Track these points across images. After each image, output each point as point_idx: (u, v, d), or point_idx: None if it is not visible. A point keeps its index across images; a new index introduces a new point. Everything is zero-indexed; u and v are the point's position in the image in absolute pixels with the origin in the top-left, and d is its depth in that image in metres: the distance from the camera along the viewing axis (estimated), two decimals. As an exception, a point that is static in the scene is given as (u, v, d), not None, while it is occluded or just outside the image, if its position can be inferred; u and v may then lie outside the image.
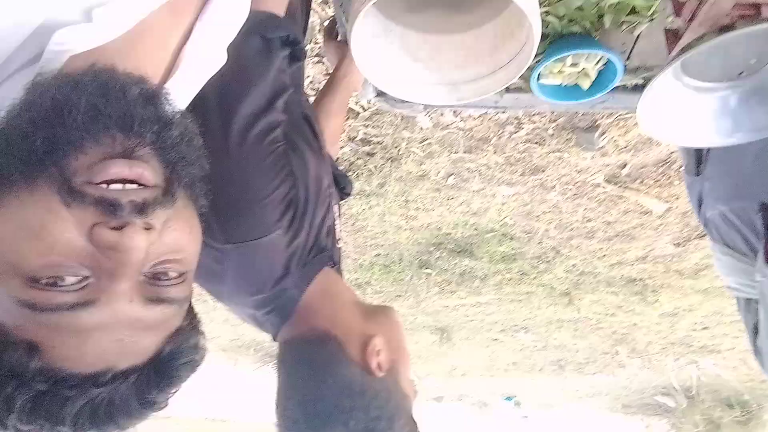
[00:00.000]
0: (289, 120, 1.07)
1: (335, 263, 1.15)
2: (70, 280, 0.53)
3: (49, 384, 0.53)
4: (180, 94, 0.70)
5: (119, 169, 0.54)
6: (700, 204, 1.67)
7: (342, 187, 1.40)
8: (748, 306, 1.62)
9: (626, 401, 7.26)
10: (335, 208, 1.24)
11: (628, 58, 1.29)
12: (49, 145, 0.54)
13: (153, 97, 0.60)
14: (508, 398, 7.59)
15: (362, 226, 3.78)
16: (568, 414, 8.00)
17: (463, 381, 7.05)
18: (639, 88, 1.35)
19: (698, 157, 1.69)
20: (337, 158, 3.16)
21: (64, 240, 0.53)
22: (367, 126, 2.99)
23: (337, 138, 1.60)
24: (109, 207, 0.53)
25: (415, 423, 1.01)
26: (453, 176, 3.32)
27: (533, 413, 8.23)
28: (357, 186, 3.34)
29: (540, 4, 1.17)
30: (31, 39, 0.57)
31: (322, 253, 1.10)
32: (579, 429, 8.73)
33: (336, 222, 1.22)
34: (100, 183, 0.54)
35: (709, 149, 1.61)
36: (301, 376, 0.98)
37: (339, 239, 1.23)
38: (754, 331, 1.58)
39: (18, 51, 0.58)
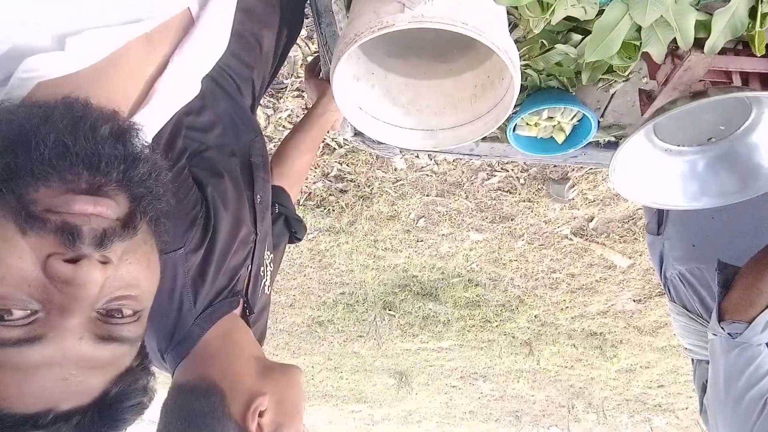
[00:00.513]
0: (217, 155, 1.07)
1: (251, 311, 1.11)
2: (17, 314, 0.51)
3: None
4: (150, 124, 0.69)
5: (83, 206, 0.53)
6: (661, 263, 1.72)
7: (293, 231, 1.39)
8: (700, 366, 1.64)
9: None
10: (267, 255, 1.21)
11: (602, 115, 1.33)
12: (9, 173, 0.52)
13: (123, 134, 0.58)
14: (463, 447, 7.49)
15: (329, 263, 3.75)
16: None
17: (419, 428, 6.95)
18: (611, 145, 1.38)
19: (659, 217, 1.74)
20: (309, 193, 3.16)
21: (16, 270, 0.50)
22: (342, 163, 3.00)
23: (302, 177, 1.58)
24: (68, 236, 0.51)
25: None
26: (423, 219, 3.33)
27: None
28: (327, 222, 3.33)
29: (520, 58, 1.20)
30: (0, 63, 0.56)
31: (233, 297, 1.06)
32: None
33: (265, 269, 1.19)
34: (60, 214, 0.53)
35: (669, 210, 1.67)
36: (176, 426, 0.93)
37: (265, 287, 1.20)
38: (703, 390, 1.60)
39: None
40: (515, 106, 1.33)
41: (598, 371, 4.82)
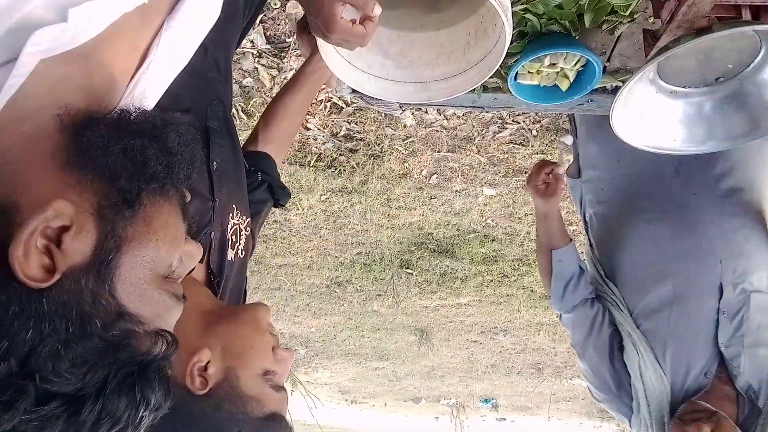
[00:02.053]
0: None
1: (215, 276, 1.09)
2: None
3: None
4: (147, 94, 0.71)
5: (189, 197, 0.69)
6: (581, 205, 1.81)
7: (276, 197, 1.40)
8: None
9: (602, 406, 7.29)
10: (240, 219, 1.19)
11: (608, 59, 1.27)
12: (183, 170, 0.65)
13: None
14: (486, 400, 7.60)
15: (344, 223, 3.75)
16: (544, 417, 8.03)
17: (442, 382, 7.05)
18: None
19: (579, 162, 1.83)
20: (319, 154, 3.13)
21: (182, 246, 0.64)
22: (350, 122, 2.96)
23: (290, 140, 1.54)
24: (191, 224, 0.68)
25: (276, 421, 0.96)
26: (436, 175, 3.30)
27: (510, 416, 8.25)
28: (339, 183, 3.31)
29: (519, 2, 1.15)
30: (3, 41, 0.55)
31: None
32: (556, 432, 8.78)
33: (237, 234, 1.18)
34: None
35: (578, 155, 1.78)
36: None
37: (238, 251, 1.19)
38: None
39: None
40: (515, 54, 1.28)
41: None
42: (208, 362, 0.93)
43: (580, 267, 1.63)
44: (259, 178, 1.33)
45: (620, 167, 1.65)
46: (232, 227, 1.17)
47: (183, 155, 0.65)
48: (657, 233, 1.56)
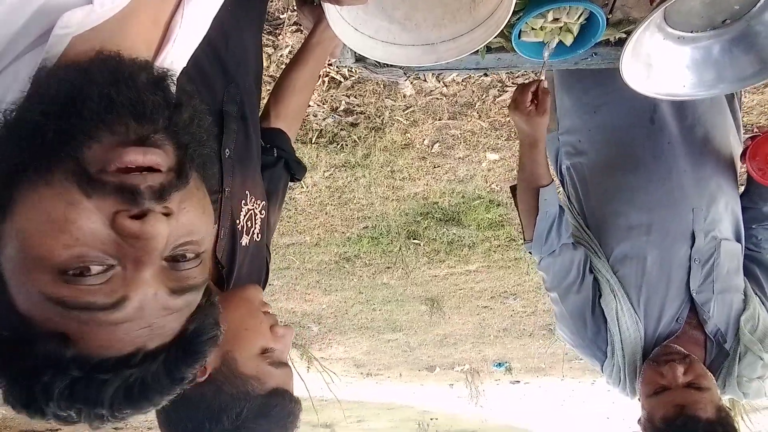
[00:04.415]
0: None
1: (224, 266, 1.10)
2: (96, 269, 0.55)
3: (84, 370, 0.56)
4: (172, 66, 0.70)
5: (134, 156, 0.55)
6: (556, 158, 1.81)
7: (293, 172, 1.39)
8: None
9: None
10: (255, 204, 1.19)
11: (610, 11, 1.27)
12: (63, 136, 0.54)
13: (160, 81, 0.60)
14: (499, 365, 7.67)
15: (349, 198, 3.75)
16: (558, 377, 8.11)
17: (455, 350, 7.12)
18: (622, 43, 1.32)
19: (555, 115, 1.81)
20: (320, 130, 3.13)
21: (88, 230, 0.54)
22: (349, 96, 2.95)
23: (302, 114, 1.54)
24: (129, 194, 0.54)
25: (279, 395, 0.98)
26: (438, 144, 3.29)
27: (524, 378, 8.34)
28: (341, 158, 3.31)
29: (519, -42, 1.14)
30: (32, 22, 0.56)
31: None
32: (569, 393, 8.87)
33: (253, 219, 1.18)
34: (116, 171, 0.55)
35: (555, 108, 1.75)
36: None
37: (254, 235, 1.19)
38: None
39: (19, 34, 0.56)
40: (518, 11, 1.27)
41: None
42: None
43: (560, 207, 1.61)
44: (275, 154, 1.34)
45: (597, 118, 1.66)
46: (246, 213, 1.17)
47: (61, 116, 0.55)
48: (632, 183, 1.59)
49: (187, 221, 0.60)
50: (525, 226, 1.63)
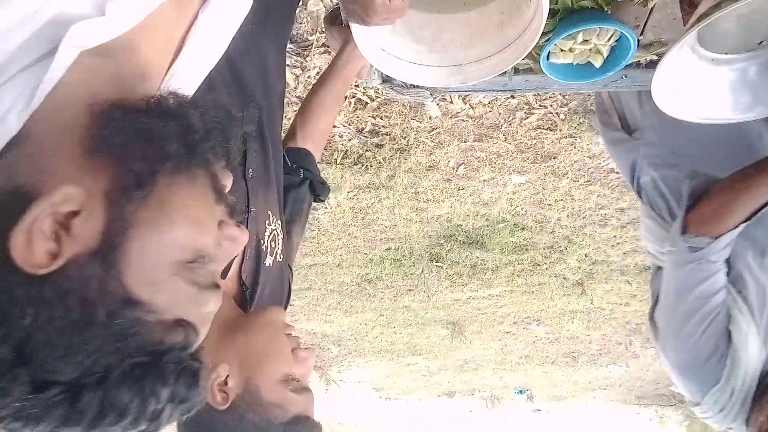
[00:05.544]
0: None
1: (247, 287, 1.09)
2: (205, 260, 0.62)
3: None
4: (184, 83, 0.71)
5: (229, 180, 0.68)
6: (633, 169, 1.67)
7: (317, 193, 1.41)
8: (658, 274, 1.61)
9: (640, 392, 7.18)
10: (276, 224, 1.18)
11: (641, 32, 1.25)
12: (211, 146, 0.63)
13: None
14: (521, 392, 7.54)
15: (372, 219, 3.75)
16: (580, 406, 7.95)
17: (475, 375, 7.02)
18: (653, 65, 1.30)
19: (625, 120, 1.69)
20: (345, 151, 3.14)
21: (213, 229, 0.62)
22: (375, 117, 2.96)
23: (327, 135, 1.54)
24: (232, 208, 0.66)
25: (301, 423, 0.97)
26: (463, 166, 3.28)
27: (545, 406, 8.18)
28: (366, 179, 3.31)
29: (549, -21, 1.14)
30: (41, 33, 0.56)
31: None
32: (592, 421, 8.68)
33: (276, 240, 1.17)
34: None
35: (624, 113, 1.65)
36: None
37: (277, 256, 1.18)
38: (656, 301, 1.58)
39: (27, 45, 0.56)
40: (547, 32, 1.26)
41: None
42: (227, 376, 0.94)
43: None
44: (301, 175, 1.34)
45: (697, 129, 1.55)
46: (270, 234, 1.17)
47: (210, 134, 0.62)
48: None
49: None
50: (715, 220, 1.37)
